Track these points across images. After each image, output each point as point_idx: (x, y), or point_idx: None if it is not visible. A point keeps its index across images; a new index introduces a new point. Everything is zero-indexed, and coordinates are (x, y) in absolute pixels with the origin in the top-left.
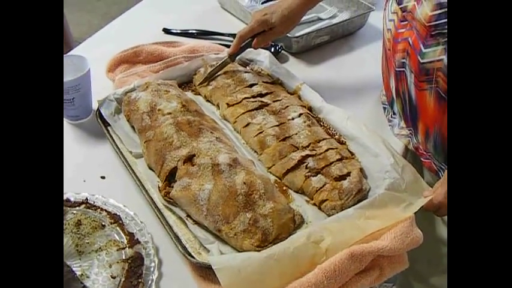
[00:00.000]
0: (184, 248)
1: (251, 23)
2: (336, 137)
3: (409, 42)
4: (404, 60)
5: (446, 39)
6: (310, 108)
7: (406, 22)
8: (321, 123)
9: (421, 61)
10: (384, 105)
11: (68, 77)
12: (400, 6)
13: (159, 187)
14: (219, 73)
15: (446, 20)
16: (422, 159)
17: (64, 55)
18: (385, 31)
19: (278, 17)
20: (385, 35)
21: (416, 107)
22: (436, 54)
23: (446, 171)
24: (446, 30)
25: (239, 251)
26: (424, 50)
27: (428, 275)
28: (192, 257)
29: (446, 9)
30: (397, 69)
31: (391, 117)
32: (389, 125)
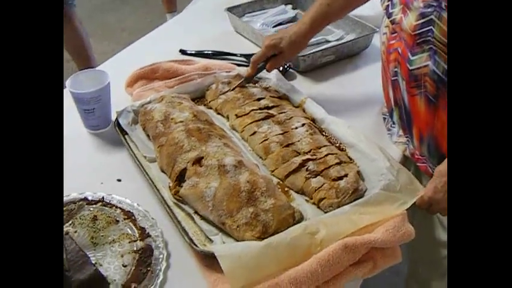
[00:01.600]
0: (191, 239)
1: (262, 49)
2: (337, 144)
3: (399, 52)
4: (396, 69)
5: (430, 46)
6: (313, 120)
7: (395, 34)
8: (323, 133)
9: (410, 68)
10: (384, 116)
11: (89, 88)
12: (390, 19)
13: (169, 186)
14: (228, 88)
15: (428, 27)
16: (418, 164)
17: (87, 69)
18: (380, 44)
19: (286, 42)
20: (381, 48)
21: (410, 113)
22: (422, 60)
23: (435, 169)
24: (429, 38)
25: None
26: (411, 58)
27: (429, 278)
28: (198, 247)
29: (428, 18)
30: (392, 78)
31: (391, 126)
32: (389, 134)
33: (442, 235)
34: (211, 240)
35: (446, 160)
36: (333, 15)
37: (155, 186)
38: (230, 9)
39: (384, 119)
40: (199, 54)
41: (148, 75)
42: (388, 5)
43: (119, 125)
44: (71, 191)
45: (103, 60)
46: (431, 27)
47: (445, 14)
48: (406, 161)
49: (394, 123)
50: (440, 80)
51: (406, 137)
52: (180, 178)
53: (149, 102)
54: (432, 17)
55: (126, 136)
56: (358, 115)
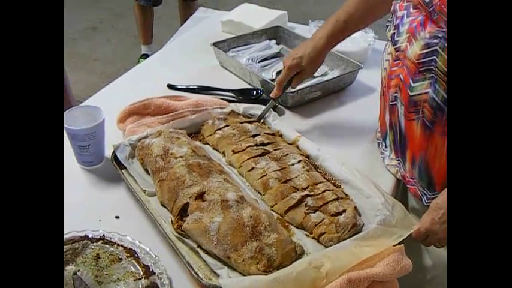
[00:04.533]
0: (196, 274)
1: (285, 70)
2: (332, 181)
3: (401, 78)
4: (396, 94)
5: (432, 74)
6: (307, 156)
7: (398, 61)
8: (318, 169)
9: (411, 94)
10: (378, 141)
11: (84, 125)
12: (395, 47)
13: (172, 221)
14: (225, 124)
15: (432, 57)
16: (408, 186)
17: (81, 105)
18: (382, 71)
19: (306, 60)
20: (382, 73)
21: (405, 137)
22: (423, 87)
23: (432, 201)
24: (432, 67)
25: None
26: (413, 85)
27: None
28: (204, 280)
29: (433, 48)
30: (390, 103)
31: (383, 150)
32: (382, 157)
33: (427, 259)
34: (216, 274)
35: (442, 193)
36: (349, 31)
37: (157, 220)
38: (216, 44)
39: (379, 143)
40: (187, 89)
41: (140, 111)
42: (394, 33)
43: (116, 159)
44: (69, 229)
45: (76, 90)
46: (435, 57)
47: None
48: (398, 184)
49: (386, 146)
50: (438, 107)
51: (398, 160)
52: (182, 213)
53: (146, 137)
54: (437, 47)
55: (123, 170)
56: (350, 147)
